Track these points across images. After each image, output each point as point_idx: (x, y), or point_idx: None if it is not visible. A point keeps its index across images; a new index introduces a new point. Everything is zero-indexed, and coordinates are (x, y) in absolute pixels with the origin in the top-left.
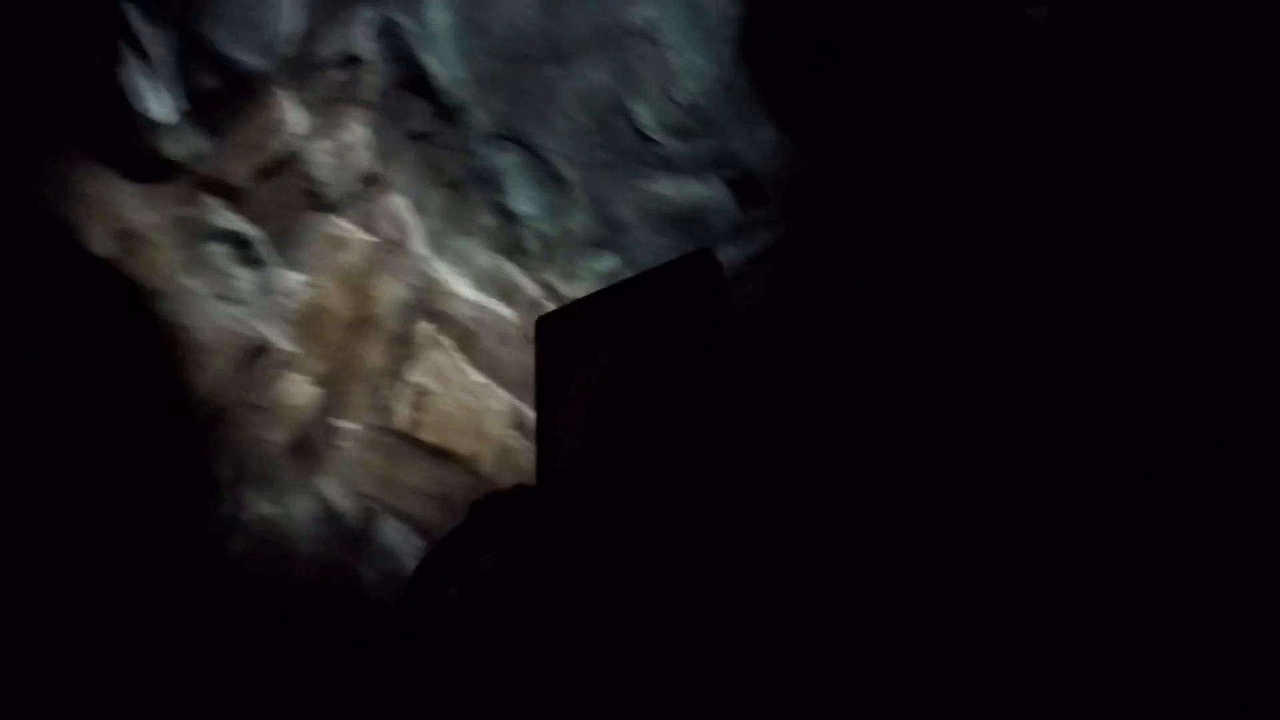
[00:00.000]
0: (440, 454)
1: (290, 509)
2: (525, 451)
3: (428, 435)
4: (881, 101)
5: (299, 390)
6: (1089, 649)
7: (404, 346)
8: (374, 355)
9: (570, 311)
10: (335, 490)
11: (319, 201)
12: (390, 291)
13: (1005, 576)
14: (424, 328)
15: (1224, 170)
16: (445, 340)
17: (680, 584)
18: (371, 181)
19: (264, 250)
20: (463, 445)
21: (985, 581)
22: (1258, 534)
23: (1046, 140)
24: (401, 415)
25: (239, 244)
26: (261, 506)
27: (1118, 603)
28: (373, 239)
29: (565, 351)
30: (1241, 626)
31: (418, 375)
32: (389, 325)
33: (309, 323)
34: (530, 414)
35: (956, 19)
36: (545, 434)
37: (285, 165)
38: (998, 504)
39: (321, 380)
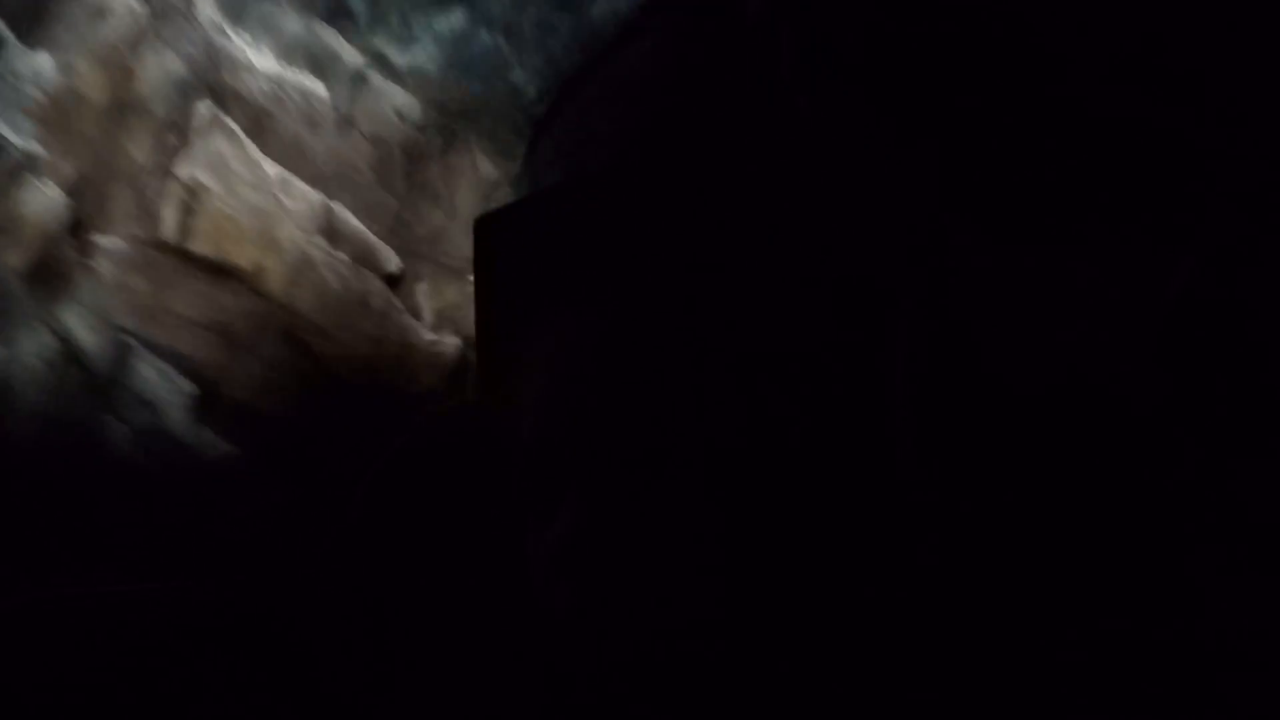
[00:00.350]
0: (217, 270)
1: (18, 350)
2: (334, 267)
3: (202, 246)
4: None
5: (42, 199)
6: (1089, 648)
7: (176, 135)
8: (138, 149)
9: (526, 214)
10: (81, 323)
11: None
12: (163, 67)
13: (1005, 576)
14: (204, 110)
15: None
16: (231, 124)
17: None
18: None
19: None
20: (246, 257)
21: (986, 581)
22: (1258, 534)
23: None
24: (169, 222)
25: None
26: None
27: (1118, 603)
28: (142, 6)
29: (536, 270)
30: (1241, 626)
31: (193, 169)
32: (158, 110)
33: (57, 115)
34: (347, 218)
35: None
36: (500, 359)
37: None
38: (998, 503)
39: (71, 187)
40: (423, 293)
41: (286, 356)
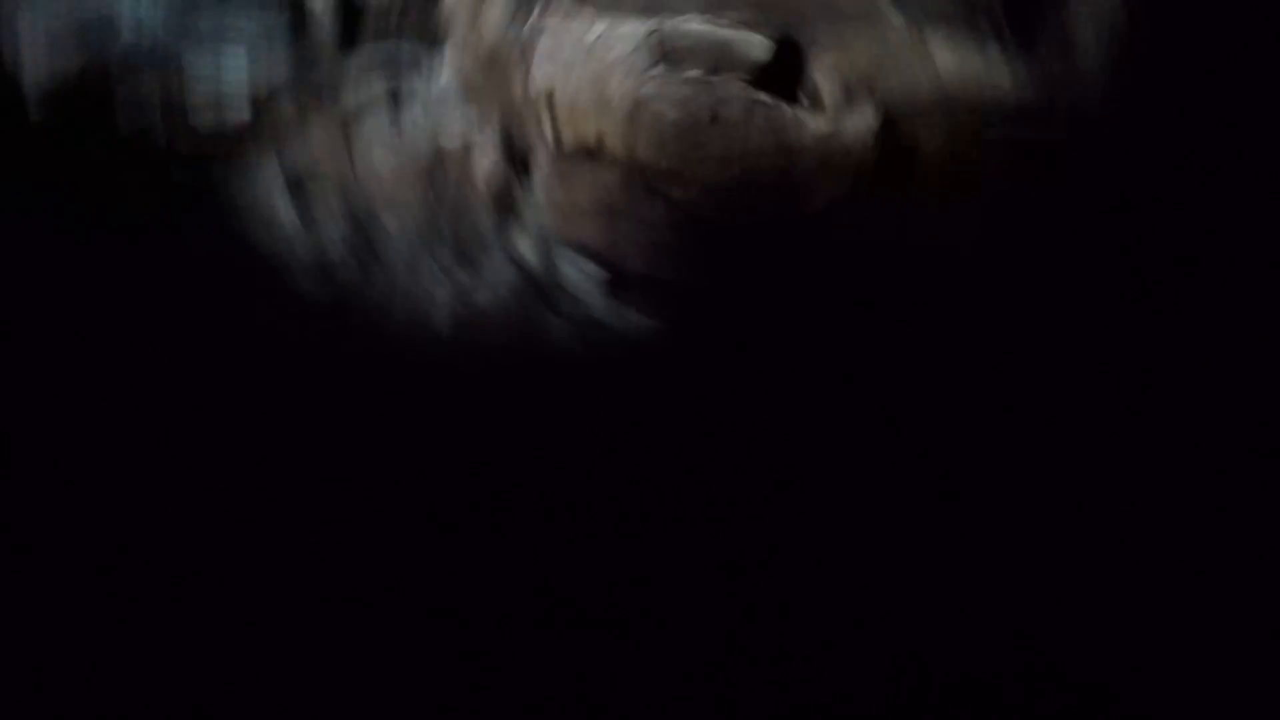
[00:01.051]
0: (582, 154)
1: (486, 277)
2: (669, 96)
3: (567, 138)
4: None
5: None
6: (1088, 648)
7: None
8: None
9: None
10: (525, 241)
11: None
12: None
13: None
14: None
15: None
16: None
17: None
18: None
19: None
20: (591, 131)
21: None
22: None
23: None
24: (544, 125)
25: None
26: None
27: (1117, 602)
28: None
29: None
30: (1241, 626)
31: (543, 68)
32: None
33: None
34: (684, 27)
35: None
36: None
37: None
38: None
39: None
40: (820, 66)
41: (661, 214)
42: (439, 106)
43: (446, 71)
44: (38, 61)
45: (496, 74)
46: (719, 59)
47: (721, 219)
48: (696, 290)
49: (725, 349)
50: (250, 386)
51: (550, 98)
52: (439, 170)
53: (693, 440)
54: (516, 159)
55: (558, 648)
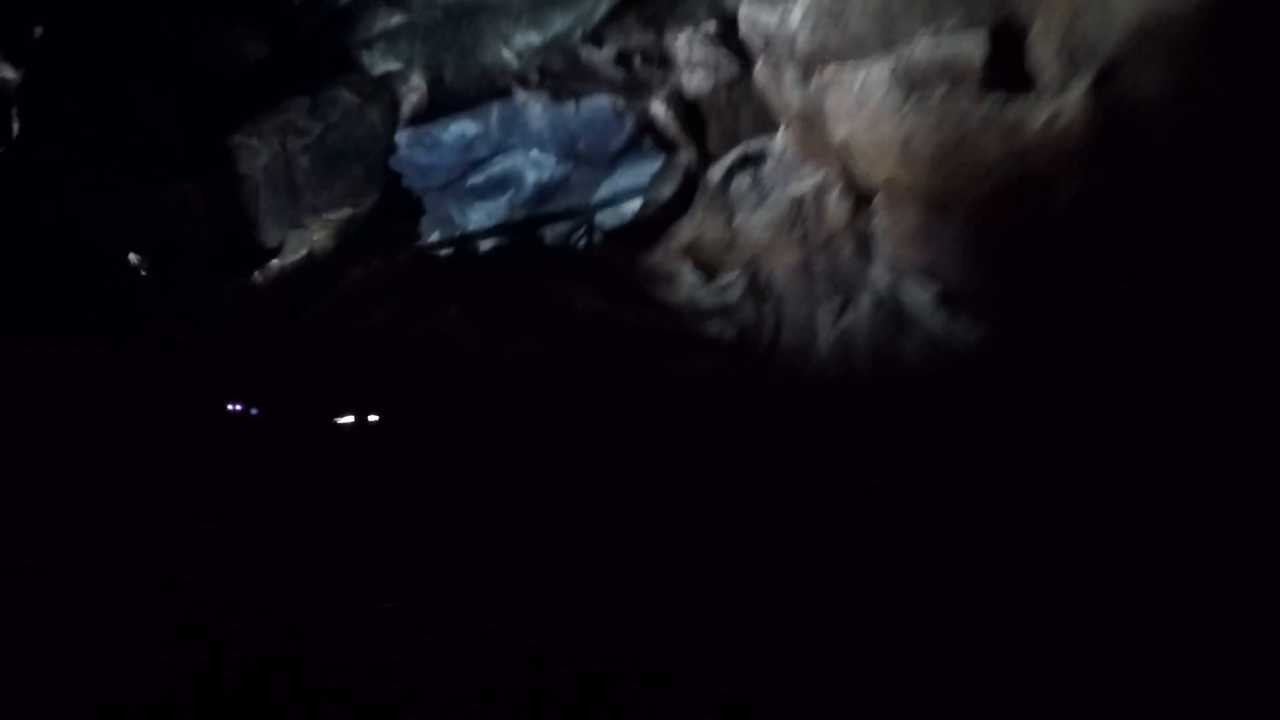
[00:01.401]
0: (881, 184)
1: (859, 312)
2: (935, 112)
3: (866, 175)
4: None
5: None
6: (1088, 647)
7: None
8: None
9: None
10: (880, 273)
11: None
12: None
13: (1006, 575)
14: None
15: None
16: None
17: None
18: None
19: None
20: (879, 170)
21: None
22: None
23: None
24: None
25: None
26: None
27: (1118, 602)
28: None
29: None
30: (1241, 626)
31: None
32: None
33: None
34: (930, 50)
35: None
36: None
37: None
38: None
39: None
40: (1039, 37)
41: (955, 232)
42: (785, 166)
43: (780, 136)
44: None
45: (814, 131)
46: (953, 72)
47: (994, 230)
48: (1011, 298)
49: (1052, 350)
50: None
51: (847, 148)
52: (799, 215)
53: (1033, 438)
54: (858, 196)
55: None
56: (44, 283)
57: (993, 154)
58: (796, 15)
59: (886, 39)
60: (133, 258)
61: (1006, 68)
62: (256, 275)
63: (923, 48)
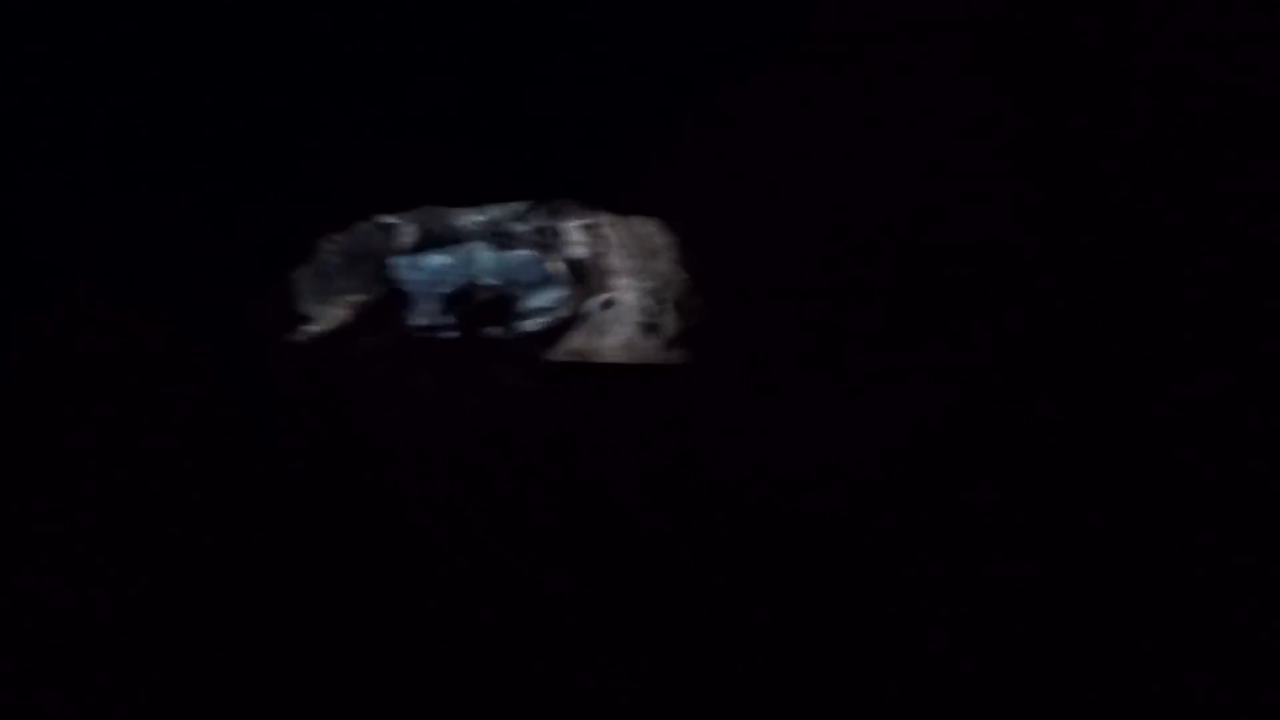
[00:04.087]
0: None
1: None
2: None
3: None
4: None
5: None
6: (1087, 647)
7: None
8: None
9: None
10: None
11: None
12: None
13: (1007, 574)
14: None
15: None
16: None
17: None
18: None
19: None
20: None
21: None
22: (1258, 533)
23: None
24: None
25: None
26: None
27: (1118, 602)
28: None
29: None
30: (1241, 626)
31: None
32: None
33: None
34: None
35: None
36: None
37: None
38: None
39: None
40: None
41: None
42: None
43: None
44: None
45: None
46: None
47: None
48: None
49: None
50: None
51: None
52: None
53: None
54: None
55: None
56: None
57: None
58: None
59: None
60: None
61: None
62: None
63: None
